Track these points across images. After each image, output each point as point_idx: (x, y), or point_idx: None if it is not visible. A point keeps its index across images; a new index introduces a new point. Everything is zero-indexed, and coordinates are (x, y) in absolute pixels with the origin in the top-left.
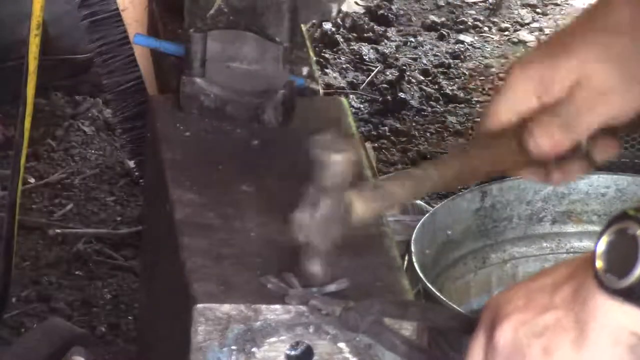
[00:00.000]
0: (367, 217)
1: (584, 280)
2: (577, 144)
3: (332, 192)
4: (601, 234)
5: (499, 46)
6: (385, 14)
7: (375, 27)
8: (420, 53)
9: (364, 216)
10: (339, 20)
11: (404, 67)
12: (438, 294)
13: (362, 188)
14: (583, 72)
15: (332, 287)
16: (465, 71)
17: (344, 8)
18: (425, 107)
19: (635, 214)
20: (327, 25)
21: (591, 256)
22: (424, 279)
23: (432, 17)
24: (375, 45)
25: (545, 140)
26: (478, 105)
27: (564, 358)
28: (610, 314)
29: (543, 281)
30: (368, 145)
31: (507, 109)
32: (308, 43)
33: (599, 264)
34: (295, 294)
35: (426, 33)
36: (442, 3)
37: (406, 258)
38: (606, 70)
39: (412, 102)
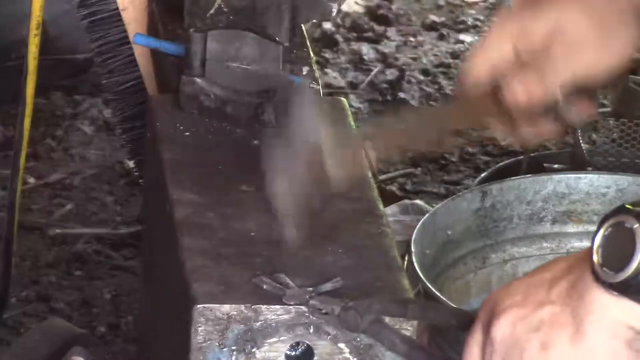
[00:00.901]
0: (344, 180)
1: (581, 274)
2: (552, 102)
3: (302, 155)
4: (598, 227)
5: None
6: (385, 13)
7: (375, 26)
8: (420, 53)
9: (340, 180)
10: (339, 20)
11: (404, 67)
12: (438, 294)
13: (335, 151)
14: (560, 23)
15: (327, 286)
16: None
17: (344, 8)
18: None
19: (632, 208)
20: (327, 25)
21: (588, 250)
22: (424, 279)
23: (432, 17)
24: (375, 45)
25: (521, 89)
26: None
27: (561, 353)
28: (607, 308)
29: (541, 276)
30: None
31: (485, 57)
32: (308, 43)
33: (596, 258)
34: (293, 294)
35: (426, 33)
36: (442, 3)
37: (406, 258)
38: (582, 23)
39: (412, 102)
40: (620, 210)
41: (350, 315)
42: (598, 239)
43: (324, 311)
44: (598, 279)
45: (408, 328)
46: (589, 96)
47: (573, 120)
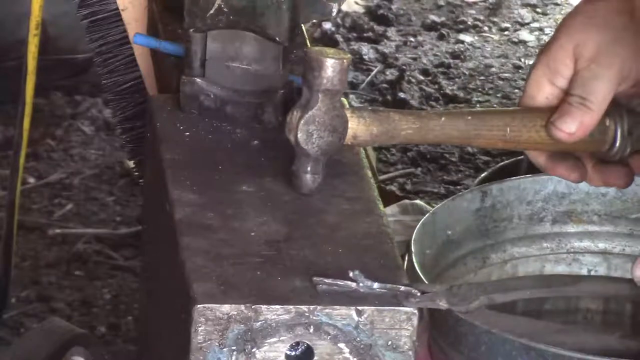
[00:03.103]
0: (363, 140)
1: None
2: (605, 128)
3: (322, 96)
4: None
5: (499, 46)
6: (385, 13)
7: (375, 27)
8: (420, 53)
9: (361, 138)
10: (339, 20)
11: (404, 67)
12: None
13: (360, 109)
14: (574, 43)
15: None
16: (465, 71)
17: (344, 8)
18: (425, 107)
19: None
20: (327, 25)
21: None
22: (424, 279)
23: (432, 17)
24: (375, 45)
25: (567, 120)
26: (478, 106)
27: None
28: None
29: None
30: None
31: (529, 102)
32: (308, 43)
33: None
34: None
35: (426, 33)
36: (442, 3)
37: (406, 258)
38: (591, 36)
39: (412, 102)
40: None
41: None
42: None
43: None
44: None
45: (408, 328)
46: None
47: (636, 169)
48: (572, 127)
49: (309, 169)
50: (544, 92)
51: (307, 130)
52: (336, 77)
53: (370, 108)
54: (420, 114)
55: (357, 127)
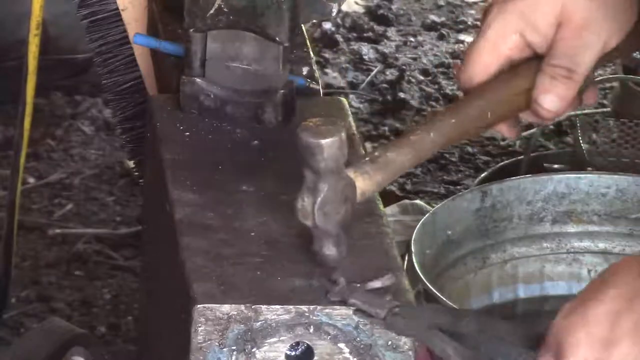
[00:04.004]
0: (372, 192)
1: None
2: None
3: (329, 175)
4: None
5: None
6: (385, 13)
7: (375, 26)
8: (420, 53)
9: (369, 192)
10: (339, 20)
11: (404, 67)
12: (438, 294)
13: (360, 164)
14: (564, 8)
15: (377, 284)
16: None
17: (344, 8)
18: (425, 107)
19: None
20: (327, 25)
21: None
22: (424, 279)
23: (432, 17)
24: (375, 45)
25: (553, 99)
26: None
27: None
28: None
29: (598, 308)
30: (368, 145)
31: (489, 49)
32: (308, 43)
33: None
34: (338, 291)
35: (426, 33)
36: (442, 3)
37: (406, 258)
38: (585, 3)
39: (412, 102)
40: None
41: (397, 321)
42: None
43: (367, 313)
44: None
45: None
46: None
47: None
48: (558, 104)
49: (332, 244)
50: (507, 43)
51: (324, 213)
52: (337, 152)
53: (368, 159)
54: (410, 140)
55: (364, 183)
